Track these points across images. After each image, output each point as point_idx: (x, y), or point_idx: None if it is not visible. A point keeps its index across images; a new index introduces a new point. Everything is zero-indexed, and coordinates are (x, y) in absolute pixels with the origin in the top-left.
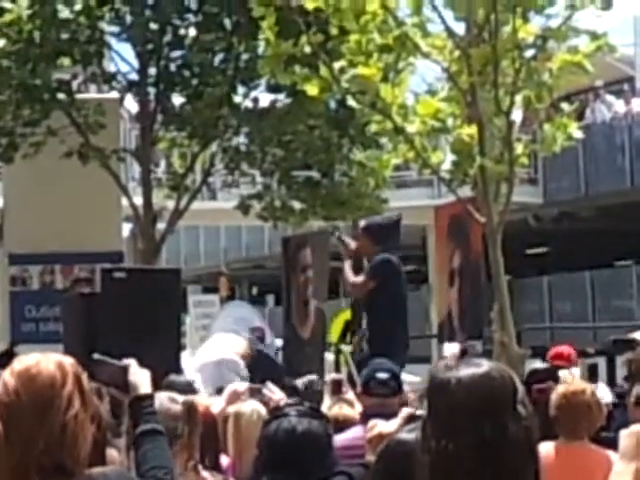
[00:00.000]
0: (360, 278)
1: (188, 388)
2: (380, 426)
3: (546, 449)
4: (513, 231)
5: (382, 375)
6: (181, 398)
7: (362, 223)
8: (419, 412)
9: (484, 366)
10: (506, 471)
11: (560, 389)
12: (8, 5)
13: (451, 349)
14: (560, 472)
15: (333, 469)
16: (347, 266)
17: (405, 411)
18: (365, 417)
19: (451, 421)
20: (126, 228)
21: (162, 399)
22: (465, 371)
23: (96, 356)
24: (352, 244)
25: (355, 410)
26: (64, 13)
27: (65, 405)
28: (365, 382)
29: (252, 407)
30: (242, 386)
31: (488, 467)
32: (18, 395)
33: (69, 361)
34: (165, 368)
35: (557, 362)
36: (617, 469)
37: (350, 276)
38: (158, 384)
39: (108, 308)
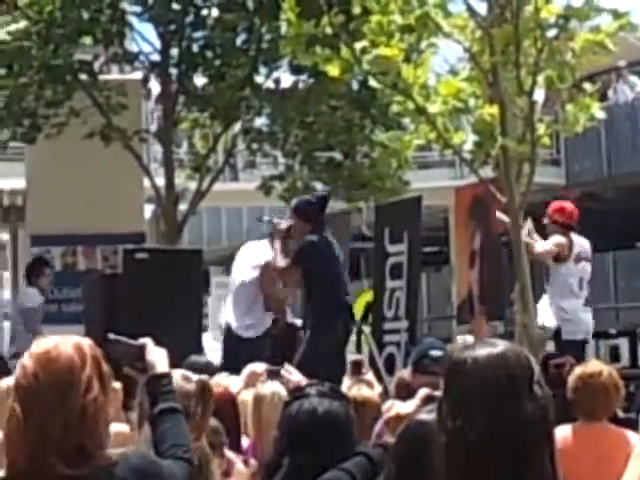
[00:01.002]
0: (283, 263)
1: (209, 368)
2: (397, 407)
3: (565, 431)
4: (536, 212)
5: (436, 353)
6: (195, 377)
7: (292, 203)
8: (437, 393)
9: (500, 346)
10: (522, 451)
11: (577, 371)
12: None
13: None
14: (579, 454)
15: (354, 449)
16: (277, 251)
17: (422, 391)
18: None
19: (467, 401)
20: (148, 209)
21: (176, 377)
22: (481, 351)
23: (111, 336)
24: (283, 224)
25: (374, 391)
26: None
27: (84, 388)
28: (417, 359)
29: (273, 389)
30: (260, 367)
31: (504, 447)
32: (37, 378)
33: (88, 344)
34: (186, 348)
35: (557, 218)
36: (638, 451)
37: (277, 261)
38: (177, 364)
39: (129, 288)
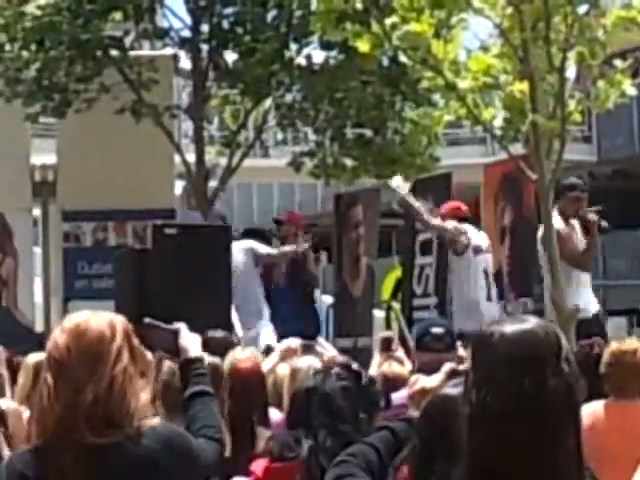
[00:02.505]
0: None
1: (225, 343)
2: (422, 381)
3: (594, 407)
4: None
5: (437, 330)
6: (208, 359)
7: None
8: (461, 367)
9: (529, 322)
10: (543, 425)
11: (611, 347)
12: None
13: None
14: (609, 430)
15: (362, 430)
16: None
17: (447, 366)
18: (420, 373)
19: (491, 373)
20: (178, 185)
21: None
22: (510, 326)
23: (147, 320)
24: None
25: (405, 368)
26: None
27: (114, 359)
28: (419, 337)
29: (309, 362)
30: (295, 342)
31: (525, 420)
32: (69, 350)
33: (119, 318)
34: (215, 323)
35: (456, 213)
36: None
37: None
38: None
39: (159, 264)
